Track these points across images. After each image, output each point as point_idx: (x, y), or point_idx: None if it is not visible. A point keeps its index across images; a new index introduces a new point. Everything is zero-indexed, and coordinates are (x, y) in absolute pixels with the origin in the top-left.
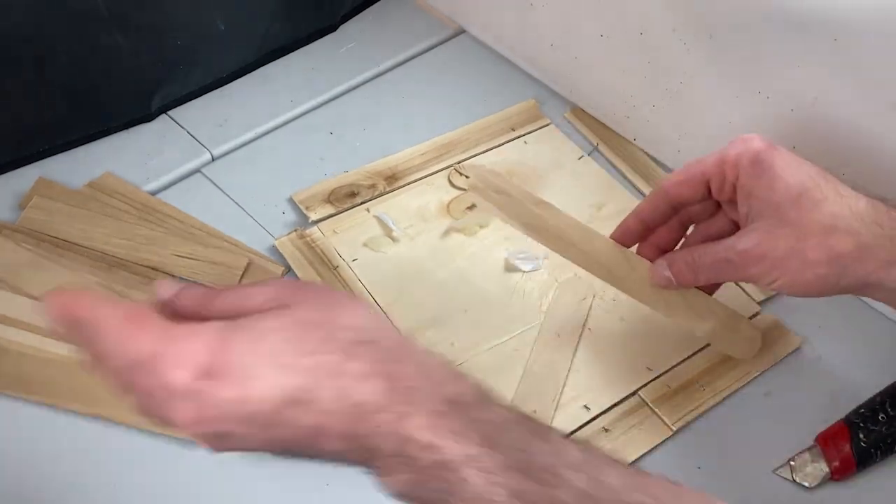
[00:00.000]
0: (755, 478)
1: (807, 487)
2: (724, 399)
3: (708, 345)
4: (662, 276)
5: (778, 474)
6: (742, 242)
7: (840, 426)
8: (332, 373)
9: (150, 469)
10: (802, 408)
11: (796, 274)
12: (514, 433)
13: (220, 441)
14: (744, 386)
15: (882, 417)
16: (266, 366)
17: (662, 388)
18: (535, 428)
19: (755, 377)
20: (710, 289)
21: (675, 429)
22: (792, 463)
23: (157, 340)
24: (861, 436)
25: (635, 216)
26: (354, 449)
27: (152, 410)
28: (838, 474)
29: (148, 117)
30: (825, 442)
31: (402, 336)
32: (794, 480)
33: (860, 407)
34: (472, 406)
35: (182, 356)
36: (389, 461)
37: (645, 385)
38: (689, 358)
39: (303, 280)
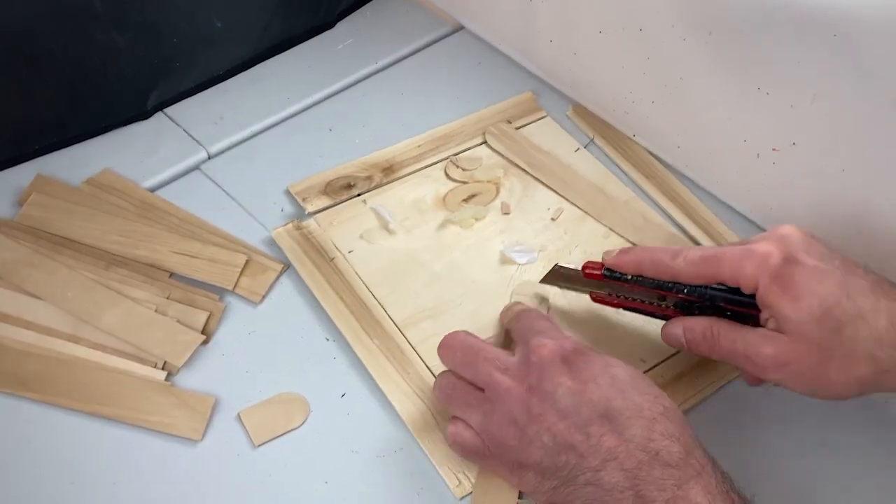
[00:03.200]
0: (752, 472)
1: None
2: (719, 391)
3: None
4: (675, 336)
5: None
6: (766, 348)
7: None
8: (647, 418)
9: (150, 469)
10: (800, 400)
11: (817, 388)
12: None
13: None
14: (737, 377)
15: None
16: (606, 381)
17: (656, 379)
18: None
19: None
20: None
21: None
22: None
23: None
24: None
25: (651, 255)
26: (623, 488)
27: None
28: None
29: (145, 115)
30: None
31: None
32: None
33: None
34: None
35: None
36: None
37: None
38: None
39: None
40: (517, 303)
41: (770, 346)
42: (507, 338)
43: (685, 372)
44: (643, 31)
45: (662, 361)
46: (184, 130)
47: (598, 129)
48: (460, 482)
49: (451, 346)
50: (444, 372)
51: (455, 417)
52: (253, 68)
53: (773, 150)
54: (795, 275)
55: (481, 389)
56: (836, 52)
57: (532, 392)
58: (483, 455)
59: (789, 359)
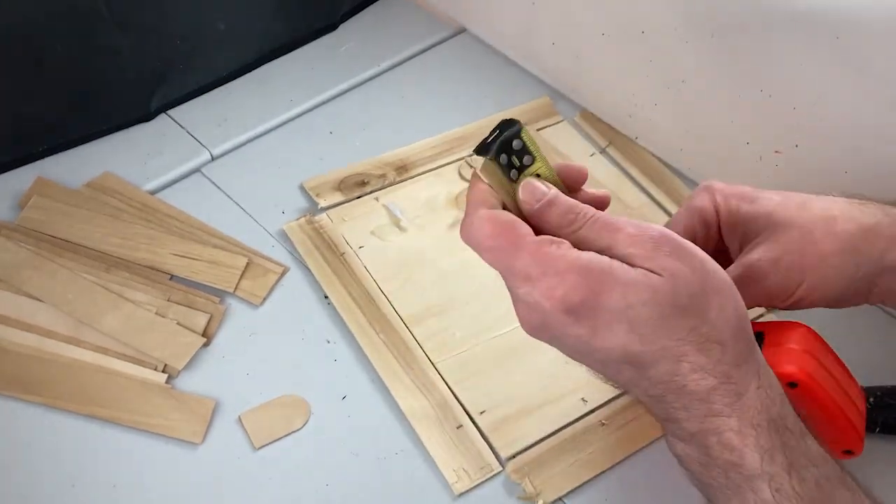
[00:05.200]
0: None
1: None
2: None
3: None
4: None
5: None
6: (749, 257)
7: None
8: (675, 357)
9: (151, 471)
10: None
11: (815, 272)
12: (820, 472)
13: (543, 337)
14: None
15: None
16: (623, 327)
17: None
18: (841, 477)
19: None
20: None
21: None
22: None
23: (534, 265)
24: (871, 399)
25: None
26: (660, 408)
27: (512, 296)
28: None
29: (147, 117)
30: None
31: (753, 347)
32: None
33: (882, 388)
34: (789, 432)
35: (555, 290)
36: (686, 436)
37: None
38: None
39: (681, 245)
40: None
41: (752, 254)
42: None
43: None
44: (645, 33)
45: None
46: (187, 132)
47: (606, 134)
48: (459, 478)
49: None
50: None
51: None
52: (256, 70)
53: (776, 152)
54: (744, 186)
55: None
56: (838, 55)
57: (544, 330)
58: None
59: (776, 252)
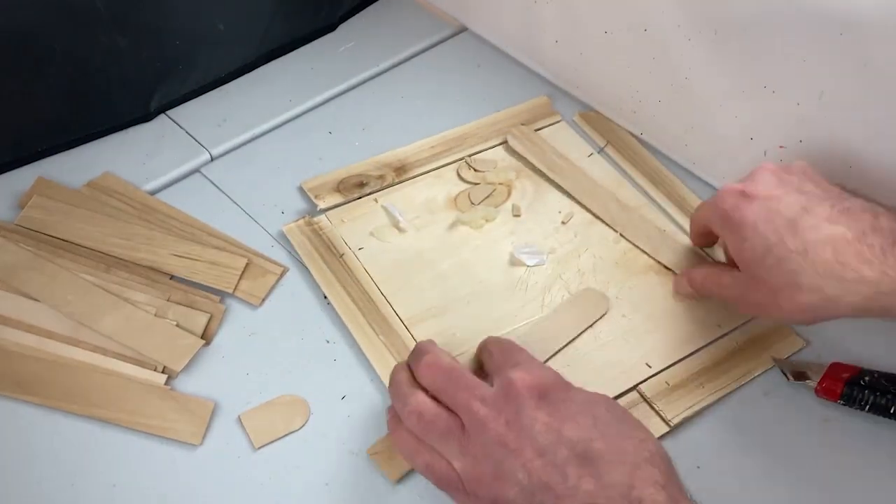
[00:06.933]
0: (754, 478)
1: (787, 381)
2: (724, 398)
3: (707, 344)
4: (681, 286)
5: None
6: (724, 278)
7: (856, 368)
8: (632, 464)
9: (150, 472)
10: (803, 408)
11: (774, 314)
12: None
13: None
14: (743, 385)
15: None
16: (589, 421)
17: (661, 385)
18: None
19: (755, 377)
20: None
21: (672, 424)
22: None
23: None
24: (865, 378)
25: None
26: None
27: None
28: (822, 392)
29: (147, 117)
30: (834, 367)
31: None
32: (783, 370)
33: (879, 372)
34: None
35: (529, 376)
36: None
37: (644, 381)
38: (688, 356)
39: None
40: (492, 337)
41: (727, 276)
42: (478, 361)
43: (690, 378)
44: (648, 30)
45: (667, 367)
46: (186, 133)
47: (605, 134)
48: None
49: (432, 367)
50: (415, 391)
51: (428, 447)
52: (255, 71)
53: (780, 147)
54: (746, 216)
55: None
56: (842, 50)
57: (509, 426)
58: (457, 489)
59: (743, 290)
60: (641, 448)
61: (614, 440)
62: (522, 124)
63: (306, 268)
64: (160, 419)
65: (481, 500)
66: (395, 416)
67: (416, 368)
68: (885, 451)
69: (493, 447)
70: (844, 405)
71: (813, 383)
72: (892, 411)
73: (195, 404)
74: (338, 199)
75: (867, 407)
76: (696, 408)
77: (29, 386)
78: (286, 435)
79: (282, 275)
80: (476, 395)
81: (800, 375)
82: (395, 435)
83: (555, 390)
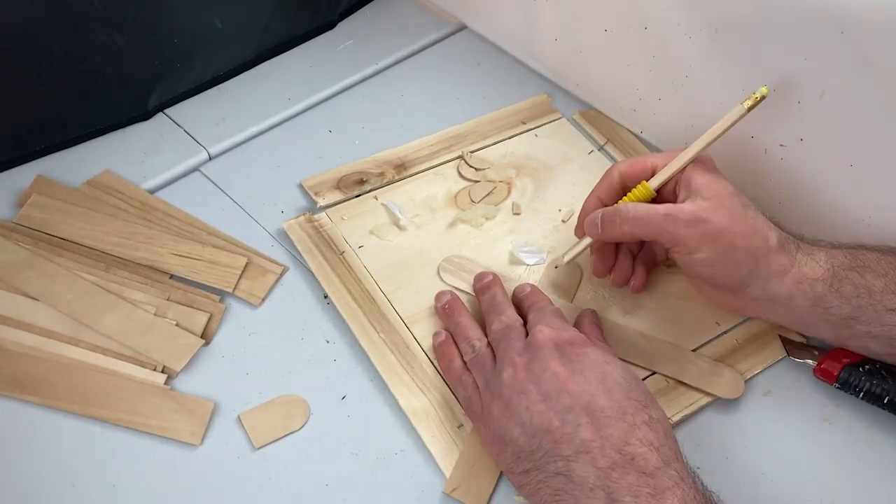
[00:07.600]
0: (754, 478)
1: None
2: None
3: (705, 344)
4: (593, 224)
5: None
6: (688, 205)
7: (859, 356)
8: (630, 424)
9: (150, 472)
10: (802, 408)
11: (719, 252)
12: None
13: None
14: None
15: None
16: (597, 377)
17: (661, 384)
18: None
19: (755, 377)
20: (633, 246)
21: (673, 421)
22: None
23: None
24: (867, 366)
25: (594, 195)
26: (593, 486)
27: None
28: (819, 373)
29: (145, 116)
30: (837, 351)
31: (679, 457)
32: (785, 347)
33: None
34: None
35: (549, 330)
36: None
37: (644, 380)
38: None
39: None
40: (528, 284)
41: (693, 205)
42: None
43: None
44: (648, 29)
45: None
46: (185, 131)
47: (605, 132)
48: None
49: (490, 289)
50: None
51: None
52: (254, 69)
53: (781, 145)
54: (712, 168)
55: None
56: (843, 49)
57: (525, 370)
58: (477, 416)
59: (709, 216)
60: (642, 411)
61: (618, 399)
62: (523, 122)
63: (306, 267)
64: (160, 419)
65: (490, 433)
66: (445, 340)
67: (474, 284)
68: (884, 452)
69: (507, 385)
70: (840, 389)
71: (812, 363)
72: (885, 401)
73: (195, 404)
74: (338, 196)
75: (861, 394)
76: (696, 406)
77: (28, 385)
78: (286, 435)
79: (282, 274)
80: (514, 336)
81: (802, 353)
82: (443, 362)
83: (572, 346)
